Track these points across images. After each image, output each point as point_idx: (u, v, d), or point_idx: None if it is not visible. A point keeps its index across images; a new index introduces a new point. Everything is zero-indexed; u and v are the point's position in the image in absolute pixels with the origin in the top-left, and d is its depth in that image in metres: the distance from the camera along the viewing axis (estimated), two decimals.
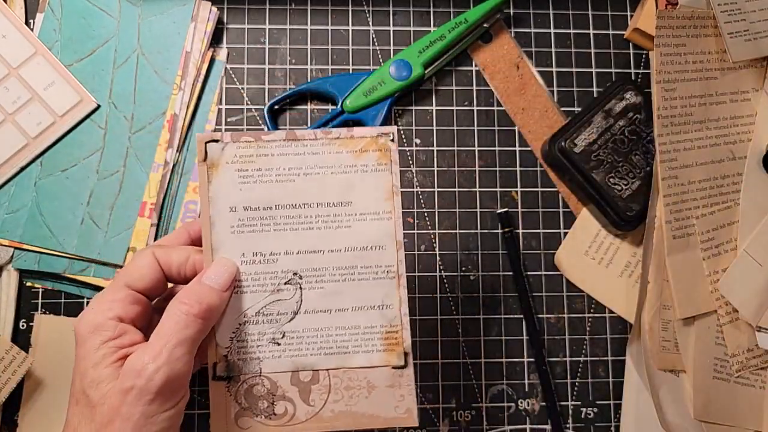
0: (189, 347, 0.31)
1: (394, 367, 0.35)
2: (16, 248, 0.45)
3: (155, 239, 0.46)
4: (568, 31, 0.51)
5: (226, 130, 0.48)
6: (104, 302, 0.33)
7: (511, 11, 0.51)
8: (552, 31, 0.51)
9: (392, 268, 0.35)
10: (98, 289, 0.46)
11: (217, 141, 0.35)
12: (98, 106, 0.46)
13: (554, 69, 0.50)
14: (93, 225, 0.45)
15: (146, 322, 0.35)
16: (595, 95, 0.50)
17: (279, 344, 0.35)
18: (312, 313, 0.35)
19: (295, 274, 0.35)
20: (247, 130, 0.48)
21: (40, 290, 0.46)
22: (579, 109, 0.50)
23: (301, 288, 0.35)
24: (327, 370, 0.35)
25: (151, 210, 0.46)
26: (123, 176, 0.46)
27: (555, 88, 0.50)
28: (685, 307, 0.45)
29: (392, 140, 0.35)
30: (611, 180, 0.46)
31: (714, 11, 0.46)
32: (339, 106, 0.47)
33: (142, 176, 0.46)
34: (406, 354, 0.35)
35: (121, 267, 0.45)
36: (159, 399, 0.30)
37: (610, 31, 0.51)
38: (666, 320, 0.46)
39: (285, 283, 0.35)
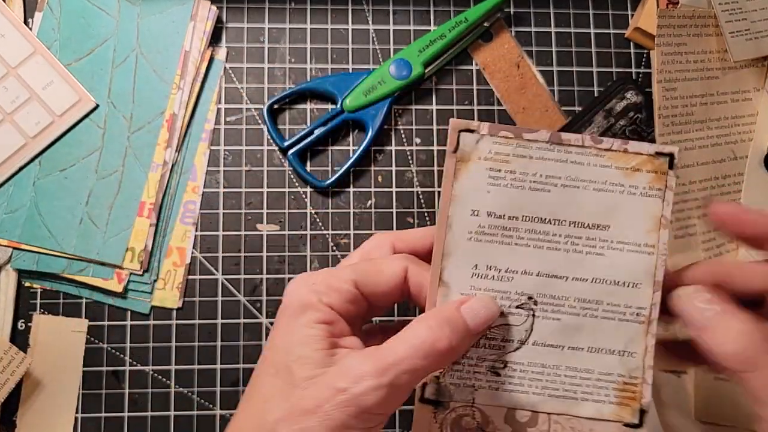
0: (416, 378, 0.28)
1: (625, 425, 0.30)
2: (14, 248, 0.45)
3: (154, 239, 0.46)
4: (568, 30, 0.51)
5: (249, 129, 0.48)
6: (322, 285, 0.30)
7: (512, 10, 0.51)
8: (552, 30, 0.51)
9: (643, 311, 0.30)
10: (97, 289, 0.45)
11: (472, 131, 0.30)
12: (97, 106, 0.46)
13: (555, 68, 0.50)
14: (92, 225, 0.45)
15: (352, 320, 0.31)
16: (595, 94, 0.50)
17: (499, 375, 0.31)
18: (542, 345, 0.30)
19: (530, 298, 0.30)
20: (248, 130, 0.48)
21: (39, 290, 0.46)
22: (579, 108, 0.50)
23: (534, 315, 0.30)
24: (549, 414, 0.30)
25: (150, 210, 0.46)
26: (122, 176, 0.46)
27: (555, 88, 0.50)
28: None
29: (672, 163, 0.30)
30: None
31: (715, 10, 0.46)
32: (339, 106, 0.47)
33: (141, 176, 0.46)
34: (642, 412, 0.30)
35: (120, 267, 0.45)
36: (364, 417, 0.27)
37: (611, 31, 0.51)
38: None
39: (517, 307, 0.30)
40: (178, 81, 0.47)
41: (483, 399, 0.31)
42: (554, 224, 0.30)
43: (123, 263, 0.45)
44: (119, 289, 0.45)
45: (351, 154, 0.48)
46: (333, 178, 0.47)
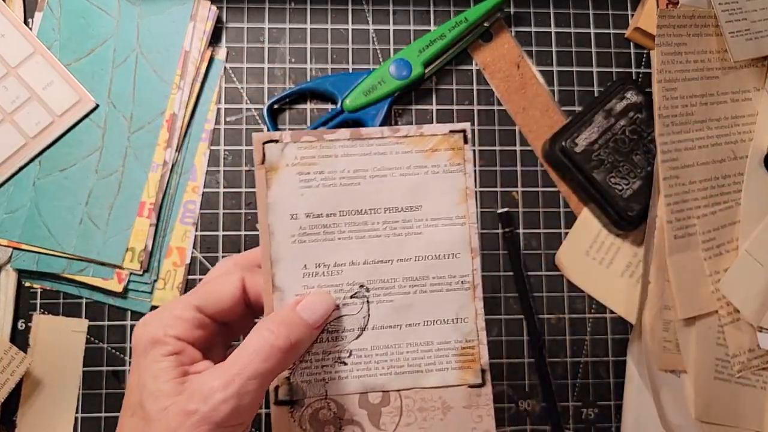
0: (263, 382, 0.29)
1: (470, 386, 0.32)
2: (14, 248, 0.45)
3: (154, 239, 0.46)
4: (568, 30, 0.51)
5: (251, 131, 0.48)
6: (167, 318, 0.31)
7: (512, 10, 0.51)
8: (552, 30, 0.51)
9: (467, 278, 0.32)
10: (97, 289, 0.45)
11: (276, 141, 0.32)
12: (97, 106, 0.46)
13: (555, 68, 0.50)
14: (92, 225, 0.45)
15: (208, 345, 0.32)
16: (595, 94, 0.50)
17: (346, 364, 0.32)
18: (381, 328, 0.32)
19: (361, 286, 0.32)
20: (248, 130, 0.48)
21: (39, 290, 0.46)
22: (580, 108, 0.50)
23: (368, 302, 0.32)
24: (398, 391, 0.32)
25: (150, 210, 0.46)
26: (122, 176, 0.46)
27: (556, 88, 0.50)
28: (687, 307, 0.45)
29: (465, 138, 0.33)
30: (612, 180, 0.46)
31: (715, 10, 0.46)
32: (339, 106, 0.47)
33: (141, 176, 0.46)
34: (483, 371, 0.32)
35: (120, 267, 0.45)
36: (219, 431, 0.28)
37: (611, 31, 0.51)
38: (667, 321, 0.46)
39: (351, 297, 0.32)
40: (178, 81, 0.47)
41: (335, 390, 0.32)
42: (371, 214, 0.32)
43: (123, 263, 0.45)
44: (119, 289, 0.45)
45: None
46: None
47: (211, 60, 0.48)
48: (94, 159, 0.46)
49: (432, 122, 0.49)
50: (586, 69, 0.50)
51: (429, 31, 0.49)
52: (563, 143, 0.46)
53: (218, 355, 0.31)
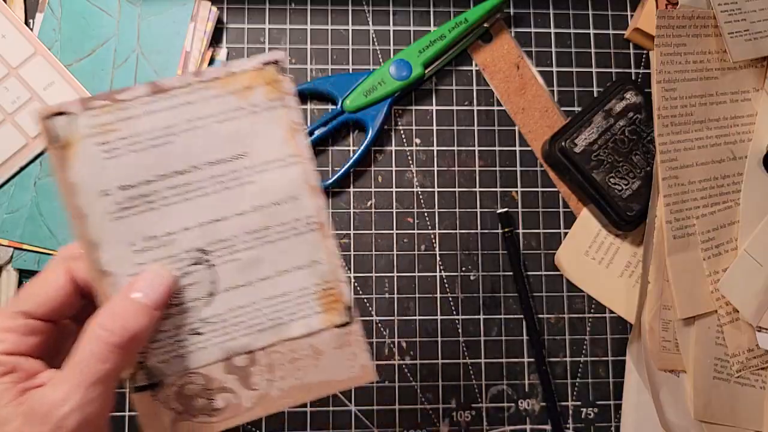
0: (108, 384, 0.26)
1: (337, 326, 0.31)
2: (15, 248, 0.45)
3: None
4: (568, 30, 0.51)
5: None
6: None
7: (512, 11, 0.51)
8: (552, 30, 0.51)
9: (312, 219, 0.30)
10: None
11: (63, 113, 0.28)
12: None
13: (554, 69, 0.50)
14: None
15: (52, 349, 0.29)
16: (595, 95, 0.50)
17: (201, 334, 0.30)
18: (232, 290, 0.30)
19: (200, 251, 0.29)
20: None
21: None
22: (579, 108, 0.50)
23: (211, 265, 0.30)
24: (263, 348, 0.30)
25: None
26: None
27: (555, 88, 0.50)
28: (686, 307, 0.45)
29: (282, 69, 0.29)
30: (611, 180, 0.46)
31: (714, 11, 0.46)
32: (339, 106, 0.47)
33: None
34: (348, 309, 0.31)
35: None
36: None
37: (611, 31, 0.51)
38: (666, 320, 0.46)
39: (192, 264, 0.29)
40: None
41: (196, 362, 0.30)
42: (193, 172, 0.29)
43: None
44: None
45: (351, 155, 0.48)
46: (333, 179, 0.47)
47: (211, 60, 0.48)
48: None
49: (432, 124, 0.49)
50: (586, 69, 0.50)
51: (429, 31, 0.49)
52: (563, 144, 0.46)
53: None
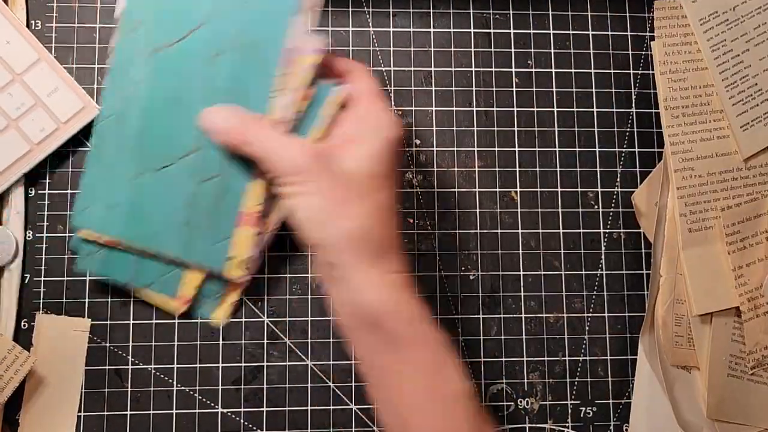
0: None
1: None
2: (106, 247, 0.43)
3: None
4: (567, 31, 0.51)
5: None
6: None
7: (511, 12, 0.51)
8: (551, 31, 0.51)
9: None
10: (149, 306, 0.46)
11: None
12: (101, 112, 0.44)
13: (553, 69, 0.51)
14: (194, 228, 0.42)
15: None
16: (594, 95, 0.50)
17: None
18: None
19: None
20: None
21: (42, 290, 0.46)
22: (579, 109, 0.50)
23: None
24: None
25: (255, 218, 0.43)
26: (222, 181, 0.42)
27: (554, 89, 0.50)
28: (702, 303, 0.44)
29: None
30: None
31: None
32: None
33: (241, 183, 0.42)
34: None
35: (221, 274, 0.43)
36: None
37: (610, 32, 0.51)
38: (680, 315, 0.45)
39: None
40: None
41: None
42: None
43: (227, 271, 0.43)
44: (180, 310, 0.45)
45: None
46: None
47: None
48: (191, 160, 0.42)
49: (432, 123, 0.49)
50: (585, 70, 0.51)
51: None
52: None
53: None
